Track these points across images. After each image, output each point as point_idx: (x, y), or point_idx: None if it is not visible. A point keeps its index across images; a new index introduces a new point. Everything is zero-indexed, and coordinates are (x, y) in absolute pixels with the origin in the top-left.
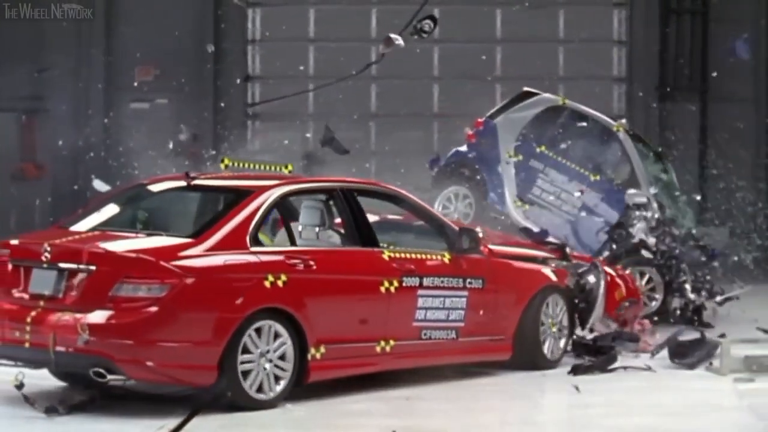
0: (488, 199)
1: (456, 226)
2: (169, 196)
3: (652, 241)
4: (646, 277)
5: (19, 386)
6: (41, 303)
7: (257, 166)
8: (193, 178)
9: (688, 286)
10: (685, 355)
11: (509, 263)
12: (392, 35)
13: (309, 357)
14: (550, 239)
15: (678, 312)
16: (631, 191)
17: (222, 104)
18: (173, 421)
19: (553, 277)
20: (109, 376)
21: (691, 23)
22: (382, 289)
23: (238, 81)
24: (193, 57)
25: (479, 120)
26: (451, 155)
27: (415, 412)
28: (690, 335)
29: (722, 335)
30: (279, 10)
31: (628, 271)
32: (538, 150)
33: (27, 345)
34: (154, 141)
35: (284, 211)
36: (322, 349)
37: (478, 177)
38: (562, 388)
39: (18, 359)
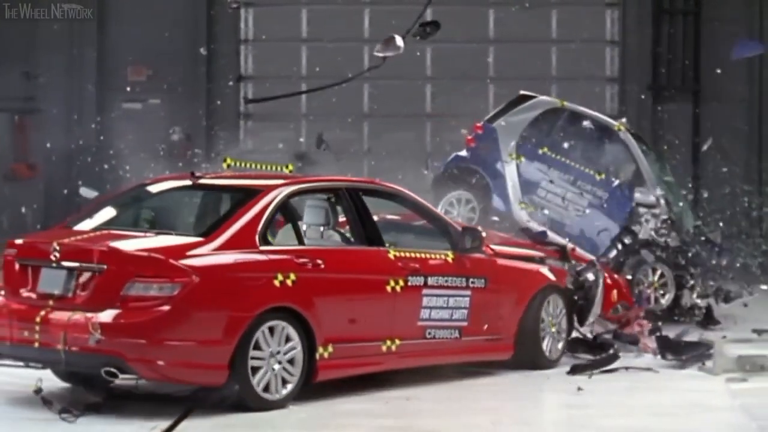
0: (492, 202)
1: (459, 226)
2: (174, 196)
3: (661, 238)
4: (658, 273)
5: (38, 391)
6: (50, 302)
7: (259, 166)
8: (199, 178)
9: (697, 288)
10: (677, 352)
11: (511, 263)
12: (396, 37)
13: (317, 356)
14: (555, 238)
15: (687, 309)
16: (639, 190)
17: (216, 104)
18: (165, 422)
19: (553, 277)
20: (121, 376)
21: (684, 23)
22: (388, 288)
23: (231, 83)
24: (186, 57)
25: (478, 124)
26: (452, 160)
27: (411, 412)
28: (688, 335)
29: (724, 337)
30: (272, 11)
31: (629, 276)
32: (540, 152)
33: (36, 345)
34: (147, 141)
35: (285, 211)
36: (330, 349)
37: (481, 181)
38: (560, 388)
39: (27, 359)
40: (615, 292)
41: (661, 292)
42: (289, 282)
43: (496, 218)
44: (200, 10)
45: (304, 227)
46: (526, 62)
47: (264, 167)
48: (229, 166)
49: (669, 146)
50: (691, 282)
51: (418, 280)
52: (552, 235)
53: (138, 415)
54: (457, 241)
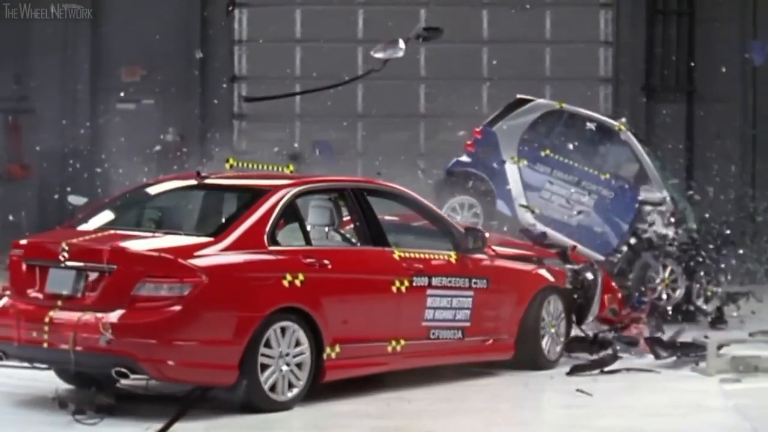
0: (497, 206)
1: (461, 227)
2: (179, 196)
3: (670, 234)
4: (668, 270)
5: (57, 399)
6: (59, 303)
7: (261, 166)
8: (204, 178)
9: (703, 292)
10: (670, 351)
11: (512, 264)
12: (399, 40)
13: (324, 356)
14: (560, 239)
15: (693, 311)
16: (645, 188)
17: (209, 105)
18: (159, 423)
19: (552, 278)
20: (132, 376)
21: (678, 24)
22: (394, 288)
23: (225, 86)
24: (180, 58)
25: (477, 129)
26: (453, 165)
27: (406, 413)
28: (683, 335)
29: (706, 337)
30: (265, 11)
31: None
32: (542, 154)
33: (45, 345)
34: (141, 141)
35: (290, 212)
36: (338, 349)
37: (484, 185)
38: (558, 389)
39: (35, 360)
40: (606, 297)
41: (672, 288)
42: (297, 282)
43: (495, 222)
44: (194, 10)
45: (308, 227)
46: (520, 63)
47: (266, 167)
48: (231, 166)
49: (662, 146)
50: (702, 280)
51: (422, 281)
52: (558, 236)
53: (132, 416)
54: (459, 242)
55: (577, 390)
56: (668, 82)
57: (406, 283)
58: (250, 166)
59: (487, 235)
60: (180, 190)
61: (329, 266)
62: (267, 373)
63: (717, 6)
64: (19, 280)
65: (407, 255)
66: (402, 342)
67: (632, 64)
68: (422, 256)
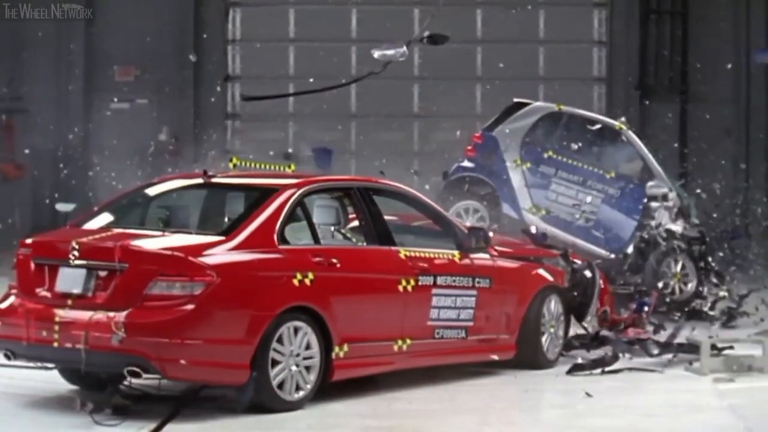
0: (503, 210)
1: (464, 227)
2: (185, 195)
3: (678, 228)
4: (680, 264)
5: (79, 400)
6: (69, 302)
7: (263, 166)
8: (211, 177)
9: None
10: (662, 349)
11: (514, 263)
12: (404, 48)
13: (333, 356)
14: (564, 239)
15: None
16: (651, 183)
17: (202, 104)
18: (152, 423)
19: (551, 278)
20: (144, 375)
21: (672, 23)
22: (400, 288)
23: (218, 88)
24: (174, 57)
25: (476, 134)
26: (455, 170)
27: (397, 412)
28: (681, 332)
29: (710, 337)
30: (259, 11)
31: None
32: (545, 156)
33: (55, 345)
34: (134, 141)
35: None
36: (346, 348)
37: (487, 190)
38: (554, 388)
39: (46, 360)
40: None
41: (684, 282)
42: (307, 281)
43: (495, 225)
44: (187, 10)
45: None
46: (514, 62)
47: (268, 167)
48: (235, 165)
49: (655, 146)
50: (711, 275)
51: (427, 280)
52: (564, 236)
53: (126, 416)
54: (463, 241)
55: (586, 393)
56: (662, 82)
57: (412, 283)
58: (253, 165)
59: (491, 234)
60: (186, 189)
61: (338, 265)
62: (276, 369)
63: (711, 5)
64: (27, 279)
65: (412, 254)
66: (408, 341)
67: (626, 64)
68: (427, 255)
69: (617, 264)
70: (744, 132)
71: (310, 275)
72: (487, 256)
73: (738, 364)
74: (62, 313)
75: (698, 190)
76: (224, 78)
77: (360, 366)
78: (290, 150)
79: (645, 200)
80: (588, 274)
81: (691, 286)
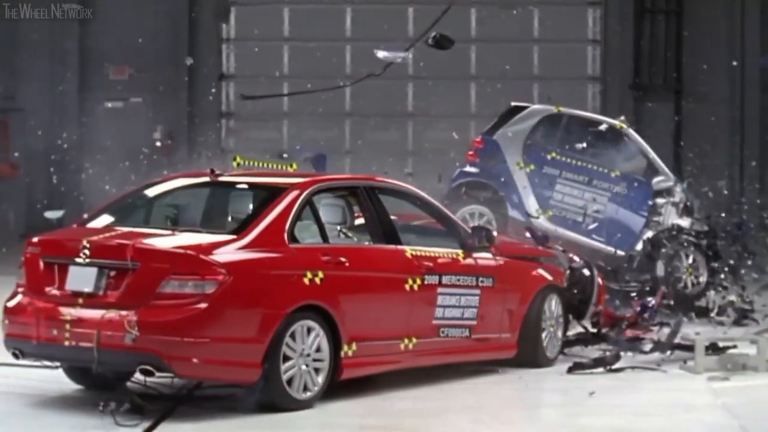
0: (509, 213)
1: (468, 226)
2: (192, 193)
3: (686, 223)
4: (690, 259)
5: (103, 401)
6: (80, 301)
7: (267, 165)
8: (218, 175)
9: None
10: (656, 346)
11: (515, 262)
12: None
13: (342, 354)
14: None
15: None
16: (656, 178)
17: (197, 103)
18: (147, 421)
19: (551, 277)
20: (157, 374)
21: (666, 23)
22: (407, 286)
23: (213, 90)
24: (168, 56)
25: (477, 139)
26: (458, 175)
27: (392, 411)
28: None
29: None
30: (254, 10)
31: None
32: (549, 157)
33: (66, 343)
34: (129, 139)
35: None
36: (354, 347)
37: (492, 193)
38: (551, 387)
39: (57, 359)
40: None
41: (695, 276)
42: (317, 280)
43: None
44: (182, 9)
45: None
46: (508, 61)
47: (271, 166)
48: (239, 164)
49: (649, 145)
50: (721, 270)
51: (433, 279)
52: (572, 236)
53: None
54: (466, 241)
55: (590, 394)
56: (656, 81)
57: (419, 282)
58: (256, 164)
59: (494, 233)
60: (193, 188)
61: (346, 264)
62: (287, 365)
63: (705, 4)
64: (36, 278)
65: (418, 253)
66: (414, 340)
67: (620, 63)
68: (432, 254)
69: (626, 262)
70: (739, 131)
71: (320, 274)
72: (489, 255)
73: (732, 362)
74: (73, 312)
75: (705, 188)
76: (219, 77)
77: (368, 365)
78: (285, 155)
79: (652, 197)
80: (586, 272)
81: (702, 280)
